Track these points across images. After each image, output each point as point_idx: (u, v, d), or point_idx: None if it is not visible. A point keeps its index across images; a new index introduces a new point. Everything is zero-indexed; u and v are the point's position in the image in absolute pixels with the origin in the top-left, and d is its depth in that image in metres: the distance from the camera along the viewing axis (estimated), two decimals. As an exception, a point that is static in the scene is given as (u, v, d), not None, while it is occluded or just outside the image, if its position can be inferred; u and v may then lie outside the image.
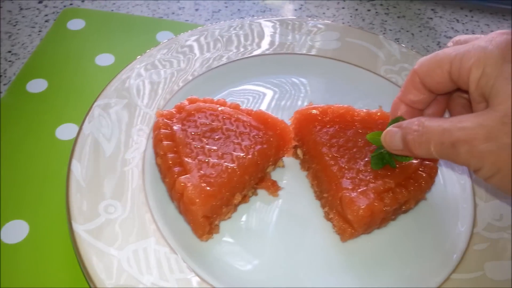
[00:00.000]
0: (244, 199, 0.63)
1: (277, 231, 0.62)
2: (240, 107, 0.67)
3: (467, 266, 0.59)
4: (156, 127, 0.62)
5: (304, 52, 0.82)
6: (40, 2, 0.96)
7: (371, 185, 0.59)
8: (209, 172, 0.58)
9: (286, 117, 0.69)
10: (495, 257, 0.59)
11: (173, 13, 0.98)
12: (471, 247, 0.60)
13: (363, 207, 0.56)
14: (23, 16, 0.93)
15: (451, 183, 0.68)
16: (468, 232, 0.62)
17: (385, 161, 0.60)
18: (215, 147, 0.61)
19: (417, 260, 0.60)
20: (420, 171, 0.60)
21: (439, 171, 0.66)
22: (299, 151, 0.69)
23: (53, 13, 0.95)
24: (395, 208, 0.59)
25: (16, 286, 0.57)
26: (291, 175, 0.68)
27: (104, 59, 0.85)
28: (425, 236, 0.63)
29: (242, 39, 0.82)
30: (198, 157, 0.59)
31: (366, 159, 0.62)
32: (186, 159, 0.59)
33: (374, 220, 0.58)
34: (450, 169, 0.69)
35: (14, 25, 0.91)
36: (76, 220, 0.56)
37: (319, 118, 0.66)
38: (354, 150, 0.63)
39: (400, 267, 0.60)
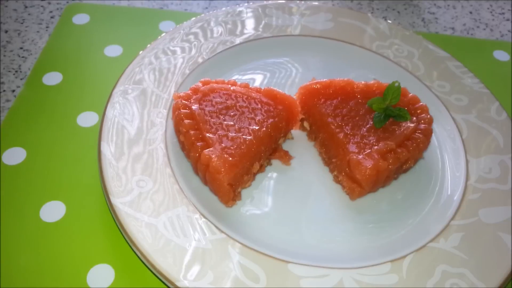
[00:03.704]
0: (261, 168, 0.70)
1: (292, 195, 0.69)
2: (249, 86, 0.73)
3: (463, 213, 0.66)
4: (176, 108, 0.68)
5: (300, 33, 0.89)
6: None
7: (375, 147, 0.65)
8: (229, 144, 0.64)
9: (291, 94, 0.76)
10: (487, 204, 0.67)
11: (171, 3, 1.03)
12: (466, 197, 0.68)
13: (369, 167, 0.63)
14: (29, 14, 0.97)
15: (444, 144, 0.76)
16: (463, 185, 0.69)
17: (386, 120, 0.68)
18: (231, 123, 0.67)
19: (420, 212, 0.68)
20: (417, 133, 0.67)
21: (433, 133, 0.73)
22: (305, 124, 0.75)
23: (57, 9, 0.99)
24: (397, 167, 0.66)
25: (57, 260, 0.63)
26: (299, 146, 0.75)
27: (113, 50, 0.90)
28: (424, 190, 0.70)
29: (240, 24, 0.88)
30: (218, 132, 0.65)
31: (368, 125, 0.69)
32: (208, 134, 0.65)
33: (380, 179, 0.65)
34: (443, 130, 0.77)
35: (22, 23, 0.95)
36: (113, 195, 0.62)
37: (322, 91, 0.72)
38: (357, 118, 0.69)
39: (404, 219, 0.67)
